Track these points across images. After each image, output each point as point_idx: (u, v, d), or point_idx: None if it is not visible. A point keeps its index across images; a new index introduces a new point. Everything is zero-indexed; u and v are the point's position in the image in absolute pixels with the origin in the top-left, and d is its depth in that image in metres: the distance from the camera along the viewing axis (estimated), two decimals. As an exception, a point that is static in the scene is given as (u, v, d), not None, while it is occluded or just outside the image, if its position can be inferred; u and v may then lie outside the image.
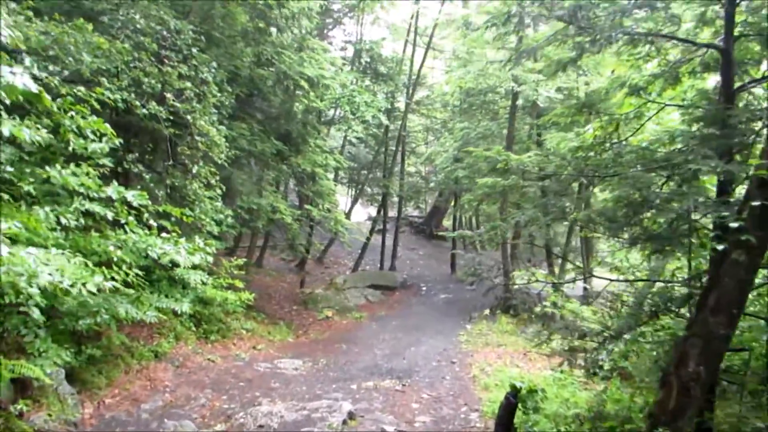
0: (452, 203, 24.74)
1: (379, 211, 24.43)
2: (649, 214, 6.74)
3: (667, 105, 6.91)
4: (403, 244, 29.63)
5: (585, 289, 17.73)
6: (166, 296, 9.33)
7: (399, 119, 22.66)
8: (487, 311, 15.70)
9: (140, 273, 6.87)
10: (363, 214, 34.31)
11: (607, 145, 6.40)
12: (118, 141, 6.90)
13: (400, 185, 23.40)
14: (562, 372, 11.25)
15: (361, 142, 26.32)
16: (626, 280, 7.53)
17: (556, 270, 19.38)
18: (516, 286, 13.24)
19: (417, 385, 10.01)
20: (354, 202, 27.76)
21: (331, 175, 23.00)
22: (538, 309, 9.01)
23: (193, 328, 10.93)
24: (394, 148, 22.94)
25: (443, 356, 12.12)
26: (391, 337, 14.19)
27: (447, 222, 33.57)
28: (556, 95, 15.25)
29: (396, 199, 26.34)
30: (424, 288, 21.52)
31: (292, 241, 14.48)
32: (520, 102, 16.58)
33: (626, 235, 8.01)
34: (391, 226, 25.14)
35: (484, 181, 7.97)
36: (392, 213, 26.31)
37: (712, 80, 7.53)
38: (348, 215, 26.97)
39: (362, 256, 23.18)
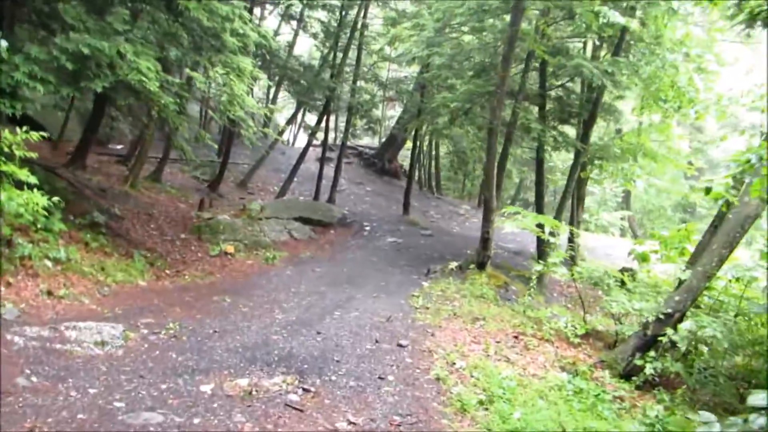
0: (412, 131, 19.64)
1: (318, 122, 18.91)
2: None
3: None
4: (348, 178, 24.61)
5: (570, 242, 13.23)
6: None
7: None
8: (453, 264, 10.89)
9: None
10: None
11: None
12: None
13: (351, 91, 17.91)
14: (578, 375, 6.62)
15: (313, 37, 20.58)
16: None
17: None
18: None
19: (331, 392, 5.13)
20: (297, 110, 22.21)
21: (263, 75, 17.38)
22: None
23: None
24: (346, 41, 17.35)
25: (386, 332, 7.23)
26: (309, 290, 9.24)
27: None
28: None
29: (343, 119, 20.99)
30: (367, 227, 16.57)
31: (160, 124, 8.93)
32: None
33: None
34: (336, 155, 19.98)
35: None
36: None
37: None
38: (289, 124, 21.55)
39: (291, 179, 17.99)
